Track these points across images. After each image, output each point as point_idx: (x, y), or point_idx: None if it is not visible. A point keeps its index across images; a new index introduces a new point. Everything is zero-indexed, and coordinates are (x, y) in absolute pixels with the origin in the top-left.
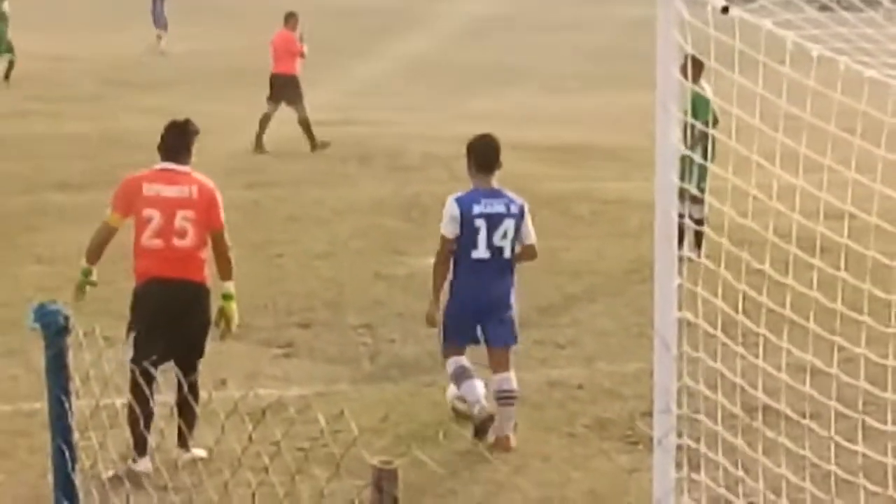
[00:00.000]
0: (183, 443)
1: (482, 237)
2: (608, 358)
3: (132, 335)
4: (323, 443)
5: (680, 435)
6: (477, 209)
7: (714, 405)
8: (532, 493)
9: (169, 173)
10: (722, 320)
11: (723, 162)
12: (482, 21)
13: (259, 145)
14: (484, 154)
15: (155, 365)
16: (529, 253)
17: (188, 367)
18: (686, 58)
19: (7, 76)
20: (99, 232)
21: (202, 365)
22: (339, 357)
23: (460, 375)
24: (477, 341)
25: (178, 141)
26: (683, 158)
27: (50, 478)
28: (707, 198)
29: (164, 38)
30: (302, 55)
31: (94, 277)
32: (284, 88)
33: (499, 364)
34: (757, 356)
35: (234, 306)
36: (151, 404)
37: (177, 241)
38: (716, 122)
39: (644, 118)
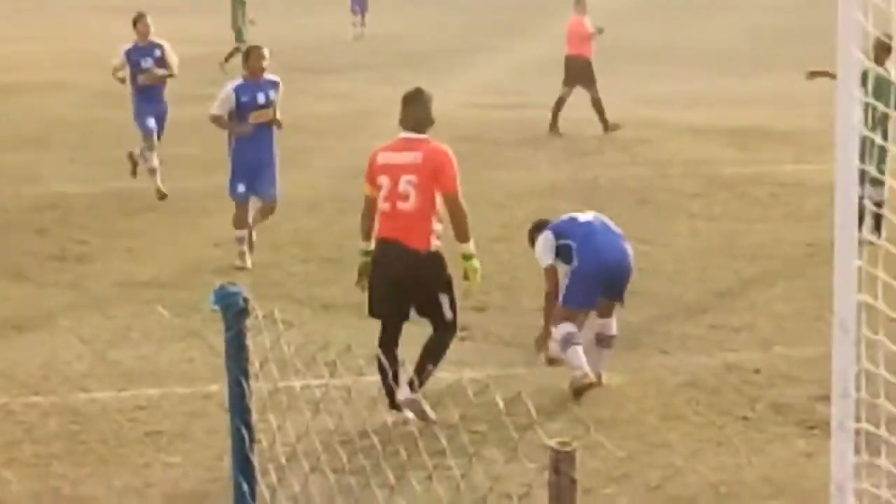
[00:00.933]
0: (418, 379)
1: None
2: (785, 342)
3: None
4: (499, 425)
5: (858, 419)
6: None
7: (894, 389)
8: (709, 477)
9: (403, 142)
10: None
11: None
12: (650, 1)
13: (554, 126)
14: None
15: (390, 322)
16: None
17: (433, 322)
18: (874, 40)
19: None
20: (364, 207)
21: None
22: (514, 340)
23: (568, 341)
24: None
25: (411, 110)
26: (864, 140)
27: (227, 459)
28: (888, 180)
29: (360, 24)
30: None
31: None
32: (580, 71)
33: (607, 311)
34: None
35: (474, 264)
36: (397, 357)
37: (401, 205)
38: None
39: (820, 100)
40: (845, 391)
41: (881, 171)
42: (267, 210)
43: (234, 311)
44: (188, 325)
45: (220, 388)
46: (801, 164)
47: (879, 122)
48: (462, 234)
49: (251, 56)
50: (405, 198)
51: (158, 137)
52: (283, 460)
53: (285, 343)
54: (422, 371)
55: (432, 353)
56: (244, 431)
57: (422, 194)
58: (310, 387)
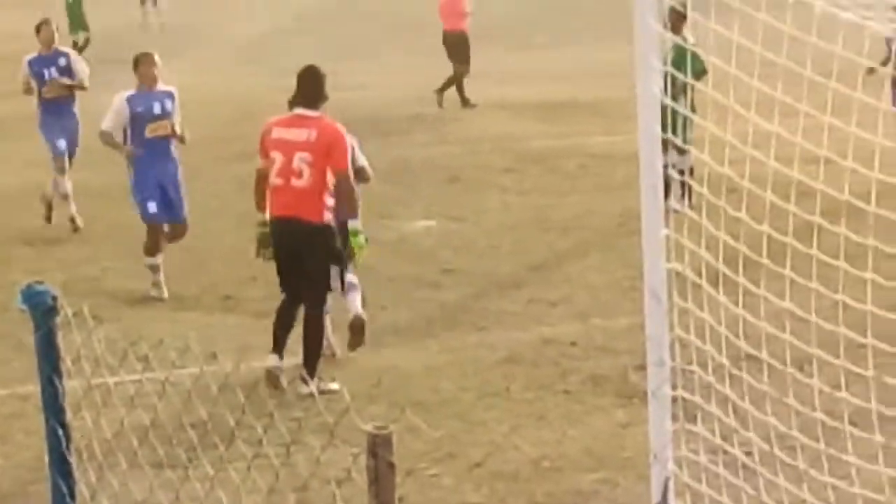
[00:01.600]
0: (303, 376)
1: None
2: (601, 313)
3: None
4: (316, 412)
5: (674, 387)
6: None
7: (706, 356)
8: (530, 452)
9: (297, 118)
10: (709, 270)
11: (702, 111)
12: None
13: (466, 101)
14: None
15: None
16: None
17: (310, 300)
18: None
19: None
20: (256, 180)
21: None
22: (331, 325)
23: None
24: None
25: (304, 87)
26: (665, 110)
27: (46, 459)
28: (692, 149)
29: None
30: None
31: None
32: (454, 46)
33: None
34: (742, 305)
35: (360, 240)
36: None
37: (294, 182)
38: (704, 72)
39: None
40: (660, 360)
41: (685, 140)
42: (178, 235)
43: (42, 310)
44: (0, 327)
45: (35, 388)
46: (610, 135)
47: (682, 91)
48: (351, 211)
49: (142, 63)
50: (299, 175)
51: (70, 159)
52: (101, 458)
53: (97, 340)
54: (311, 361)
55: (315, 336)
56: (59, 431)
57: (316, 171)
58: (123, 383)
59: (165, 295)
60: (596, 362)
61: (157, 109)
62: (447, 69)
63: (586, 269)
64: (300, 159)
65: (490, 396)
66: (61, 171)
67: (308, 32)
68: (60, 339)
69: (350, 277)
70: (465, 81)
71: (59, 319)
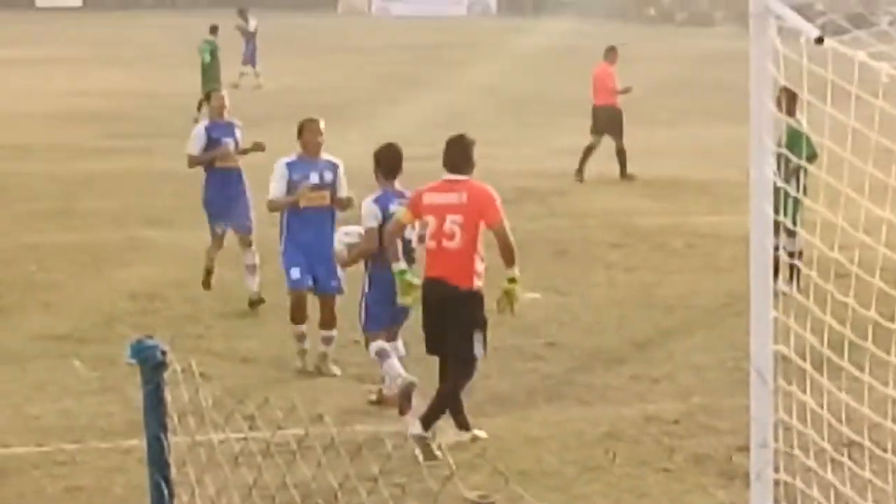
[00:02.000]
0: (460, 424)
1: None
2: (704, 392)
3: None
4: (419, 477)
5: (777, 470)
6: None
7: (809, 440)
8: None
9: (447, 183)
10: (814, 353)
11: (814, 195)
12: (559, 53)
13: (579, 172)
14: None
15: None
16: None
17: (451, 357)
18: (780, 90)
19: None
20: (392, 229)
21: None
22: (433, 393)
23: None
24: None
25: (453, 153)
26: (777, 191)
27: None
28: (801, 231)
29: (253, 76)
30: (622, 91)
31: (408, 275)
32: (608, 121)
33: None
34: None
35: (516, 288)
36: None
37: (446, 244)
38: (815, 156)
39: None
40: (764, 441)
41: (795, 223)
42: (325, 305)
43: (151, 365)
44: (106, 379)
45: (139, 442)
46: (717, 214)
47: (794, 173)
48: (509, 261)
49: (306, 130)
50: (451, 237)
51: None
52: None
53: (203, 397)
54: (430, 416)
55: (446, 396)
56: (163, 486)
57: (467, 233)
58: (228, 440)
59: (311, 367)
60: (698, 441)
61: (314, 179)
62: (555, 142)
63: (690, 347)
64: (452, 221)
65: (592, 471)
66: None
67: (415, 102)
68: (168, 394)
69: (398, 344)
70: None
71: (167, 375)
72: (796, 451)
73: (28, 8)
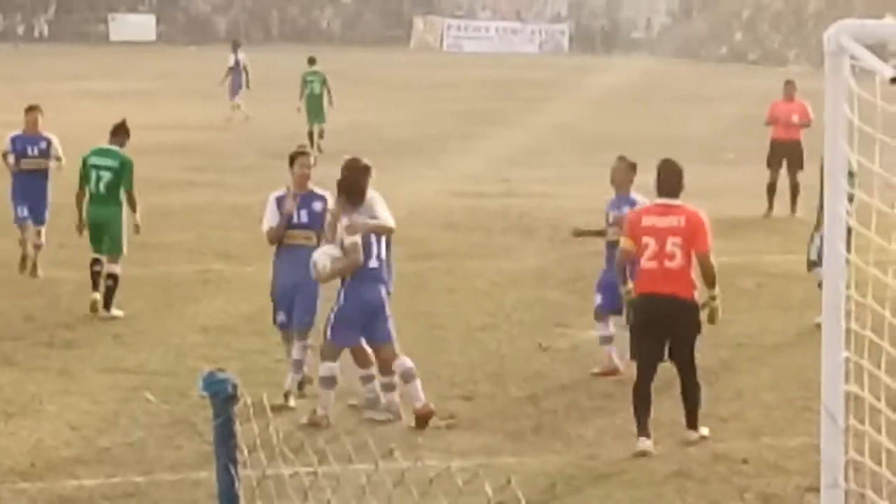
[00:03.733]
0: (690, 424)
1: None
2: (773, 431)
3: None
4: None
5: None
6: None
7: (881, 480)
8: None
9: (664, 207)
10: (888, 393)
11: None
12: (630, 91)
13: (769, 210)
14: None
15: (651, 366)
16: None
17: (687, 364)
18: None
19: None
20: (621, 257)
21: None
22: (502, 429)
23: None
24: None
25: (666, 178)
26: (850, 231)
27: None
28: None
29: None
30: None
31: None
32: (788, 154)
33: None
34: None
35: (718, 305)
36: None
37: (668, 264)
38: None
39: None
40: (834, 482)
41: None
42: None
43: (222, 398)
44: (176, 412)
45: (208, 475)
46: (788, 253)
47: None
48: (711, 283)
49: (297, 162)
50: (672, 257)
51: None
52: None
53: (274, 430)
54: (695, 413)
55: (695, 394)
56: None
57: (685, 254)
58: (298, 474)
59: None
60: (767, 481)
61: (303, 218)
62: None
63: (759, 386)
64: (672, 244)
65: None
66: None
67: (487, 138)
68: (238, 428)
69: (407, 363)
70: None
71: (237, 408)
72: (868, 492)
73: (103, 42)
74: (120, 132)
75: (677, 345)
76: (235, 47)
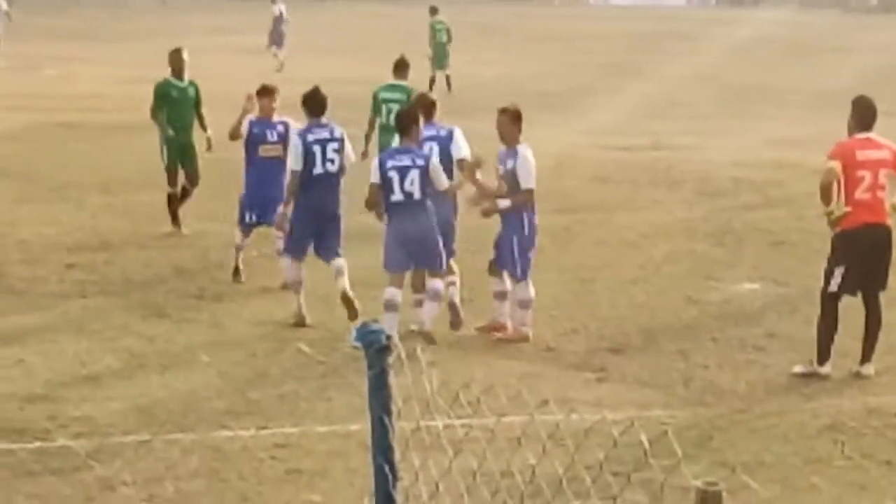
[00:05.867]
0: (867, 357)
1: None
2: None
3: (840, 269)
4: (643, 466)
5: None
6: None
7: None
8: None
9: (870, 141)
10: None
11: None
12: (778, 43)
13: None
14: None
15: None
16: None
17: (878, 292)
18: None
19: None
20: (825, 184)
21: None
22: (652, 382)
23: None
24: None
25: (865, 114)
26: None
27: (367, 499)
28: None
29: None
30: None
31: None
32: None
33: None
34: None
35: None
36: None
37: (879, 194)
38: None
39: None
40: None
41: None
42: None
43: (376, 349)
44: (327, 363)
45: (360, 426)
46: None
47: None
48: None
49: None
50: (883, 188)
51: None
52: (426, 501)
53: (427, 381)
54: (874, 347)
55: (878, 326)
56: (387, 470)
57: (890, 182)
58: (452, 426)
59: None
60: None
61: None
62: (772, 132)
63: None
64: (884, 175)
65: (814, 463)
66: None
67: (632, 91)
68: (391, 379)
69: (438, 284)
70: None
71: (391, 359)
72: None
73: None
74: (402, 67)
75: (882, 273)
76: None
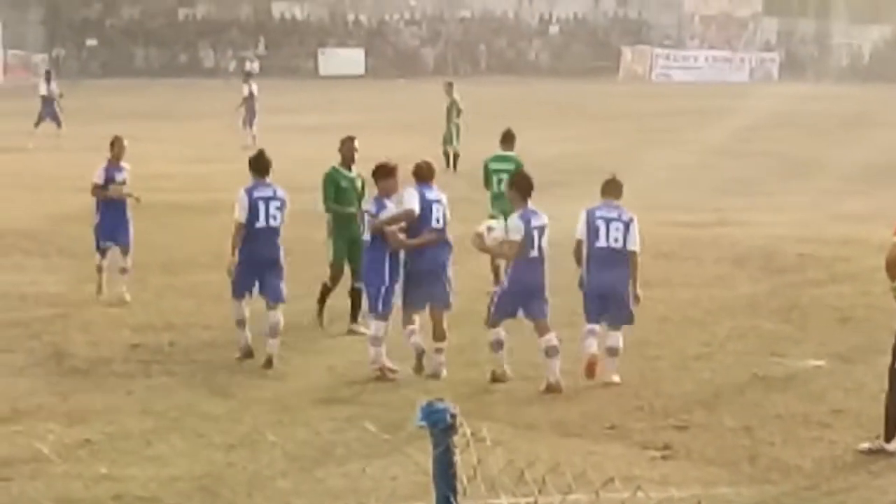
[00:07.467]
0: None
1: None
2: None
3: None
4: None
5: None
6: None
7: None
8: None
9: None
10: None
11: None
12: (841, 118)
13: None
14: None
15: None
16: None
17: None
18: None
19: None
20: None
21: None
22: (718, 459)
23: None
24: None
25: None
26: None
27: None
28: None
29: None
30: None
31: None
32: None
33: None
34: None
35: None
36: None
37: None
38: None
39: None
40: None
41: None
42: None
43: (441, 428)
44: (391, 442)
45: None
46: None
47: None
48: None
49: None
50: None
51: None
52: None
53: (493, 460)
54: None
55: None
56: None
57: None
58: None
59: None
60: None
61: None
62: (837, 208)
63: None
64: None
65: None
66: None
67: (697, 166)
68: (457, 458)
69: (553, 340)
70: None
71: (456, 438)
72: None
73: (312, 76)
74: (509, 139)
75: None
76: (247, 78)
